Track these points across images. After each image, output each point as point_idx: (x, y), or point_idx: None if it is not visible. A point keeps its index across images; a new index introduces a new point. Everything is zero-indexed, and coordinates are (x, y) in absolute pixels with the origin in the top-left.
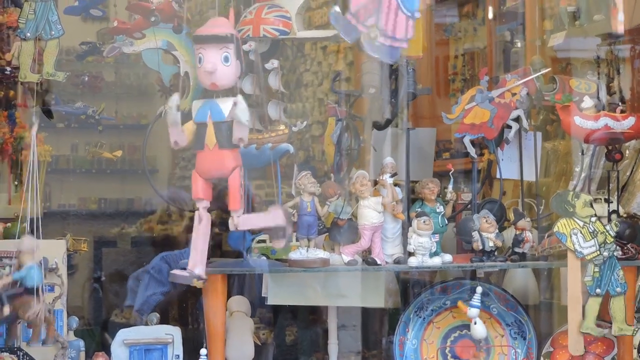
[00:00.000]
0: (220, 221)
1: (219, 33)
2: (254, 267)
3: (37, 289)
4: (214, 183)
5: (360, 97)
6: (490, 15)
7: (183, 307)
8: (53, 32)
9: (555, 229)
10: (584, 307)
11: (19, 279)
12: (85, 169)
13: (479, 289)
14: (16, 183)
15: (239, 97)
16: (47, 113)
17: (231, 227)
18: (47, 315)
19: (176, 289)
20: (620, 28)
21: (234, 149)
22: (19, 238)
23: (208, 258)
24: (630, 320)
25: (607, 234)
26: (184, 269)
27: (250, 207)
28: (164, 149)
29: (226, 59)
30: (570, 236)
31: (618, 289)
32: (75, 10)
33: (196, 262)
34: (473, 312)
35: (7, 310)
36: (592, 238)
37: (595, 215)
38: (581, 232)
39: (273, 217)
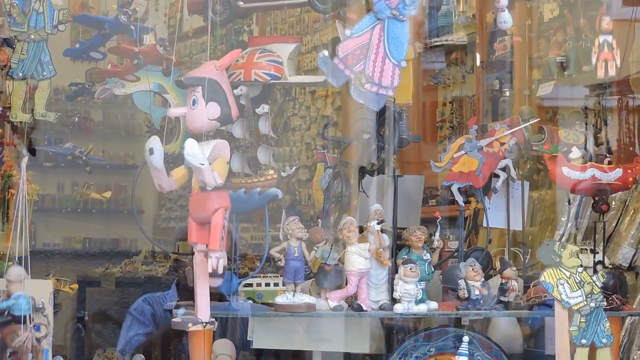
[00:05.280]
0: None
1: (182, 77)
2: (240, 310)
3: (25, 318)
4: None
5: (350, 144)
6: (478, 63)
7: (166, 348)
8: (45, 73)
9: (541, 279)
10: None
11: (6, 308)
12: (71, 208)
13: (466, 338)
14: (4, 221)
15: (187, 141)
16: (31, 151)
17: (209, 269)
18: (35, 344)
19: (159, 330)
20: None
21: (220, 191)
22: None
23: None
24: None
25: (593, 284)
26: (169, 311)
27: (239, 252)
28: (150, 190)
29: (193, 102)
30: (557, 286)
31: (604, 340)
32: (76, 53)
33: (197, 307)
34: None
35: None
36: (579, 288)
37: (582, 265)
38: (568, 282)
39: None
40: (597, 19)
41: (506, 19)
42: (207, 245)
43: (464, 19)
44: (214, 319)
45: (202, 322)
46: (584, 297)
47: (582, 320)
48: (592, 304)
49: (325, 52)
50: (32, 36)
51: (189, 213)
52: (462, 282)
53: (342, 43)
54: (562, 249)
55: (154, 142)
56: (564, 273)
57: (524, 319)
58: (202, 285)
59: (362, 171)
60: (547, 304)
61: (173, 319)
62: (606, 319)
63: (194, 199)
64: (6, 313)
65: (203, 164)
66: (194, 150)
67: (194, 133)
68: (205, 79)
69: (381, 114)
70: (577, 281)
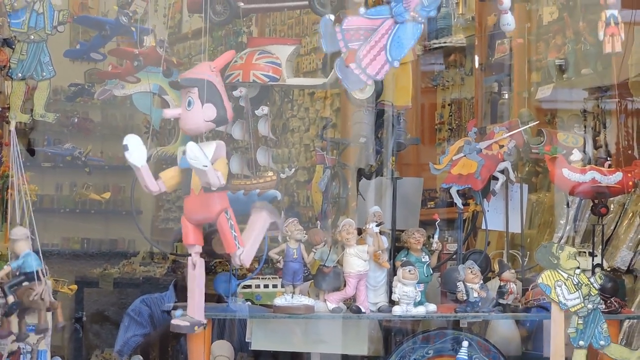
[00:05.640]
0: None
1: (179, 78)
2: (238, 312)
3: (37, 273)
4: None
5: (348, 146)
6: (477, 65)
7: (164, 349)
8: (44, 73)
9: (539, 281)
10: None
11: (17, 267)
12: (69, 208)
13: (465, 343)
14: (3, 222)
15: (188, 145)
16: (30, 151)
17: (236, 265)
18: (53, 301)
19: (157, 331)
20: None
21: (221, 192)
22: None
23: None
24: None
25: (591, 286)
26: (168, 312)
27: None
28: None
29: (189, 104)
30: (555, 288)
31: (602, 342)
32: (76, 54)
33: (195, 308)
34: None
35: (11, 299)
36: (577, 290)
37: (580, 267)
38: (565, 284)
39: (261, 225)
40: None
41: (509, 21)
42: (203, 247)
43: (463, 21)
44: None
45: (204, 324)
46: (582, 299)
47: (579, 322)
48: (590, 306)
49: (332, 17)
50: (32, 37)
51: (184, 214)
52: (460, 285)
53: (352, 17)
54: (560, 251)
55: (130, 138)
56: (561, 275)
57: (522, 321)
58: (200, 286)
59: (360, 174)
60: (545, 307)
61: (173, 322)
62: (604, 321)
63: (193, 200)
64: (18, 273)
65: (206, 166)
66: (195, 154)
67: (189, 134)
68: (203, 81)
69: (379, 117)
70: (575, 283)
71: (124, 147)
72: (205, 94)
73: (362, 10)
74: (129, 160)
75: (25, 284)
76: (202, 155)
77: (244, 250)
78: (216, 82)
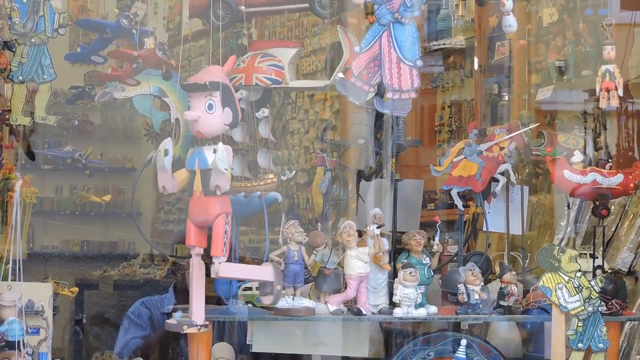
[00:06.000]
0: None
1: (201, 81)
2: (238, 314)
3: (18, 343)
4: None
5: (349, 148)
6: (476, 67)
7: (164, 352)
8: (45, 76)
9: (540, 283)
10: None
11: (0, 333)
12: (69, 211)
13: (464, 342)
14: (3, 224)
15: (219, 145)
16: (30, 155)
17: (212, 274)
18: None
19: (156, 333)
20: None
21: (222, 196)
22: (3, 279)
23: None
24: None
25: (592, 289)
26: (168, 314)
27: (238, 255)
28: (148, 192)
29: (210, 107)
30: (555, 291)
31: (600, 345)
32: (78, 57)
33: (193, 310)
34: None
35: None
36: (577, 293)
37: (580, 270)
38: (566, 287)
39: (260, 272)
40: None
41: (511, 23)
42: (204, 249)
43: (462, 23)
44: (207, 322)
45: (197, 325)
46: (582, 301)
47: (579, 324)
48: (590, 309)
49: (341, 74)
50: (33, 39)
51: (188, 216)
52: (461, 287)
53: (354, 61)
54: (561, 254)
55: (169, 143)
56: (562, 278)
57: (523, 323)
58: (198, 288)
59: (359, 176)
60: (546, 309)
61: (168, 321)
62: (603, 324)
63: (195, 202)
64: (0, 338)
65: (227, 169)
66: (224, 155)
67: (204, 137)
68: (225, 85)
69: (378, 119)
70: (576, 286)
71: (165, 152)
72: (224, 98)
73: (356, 49)
74: (165, 164)
75: (5, 350)
76: (226, 159)
77: (225, 261)
78: (231, 87)
